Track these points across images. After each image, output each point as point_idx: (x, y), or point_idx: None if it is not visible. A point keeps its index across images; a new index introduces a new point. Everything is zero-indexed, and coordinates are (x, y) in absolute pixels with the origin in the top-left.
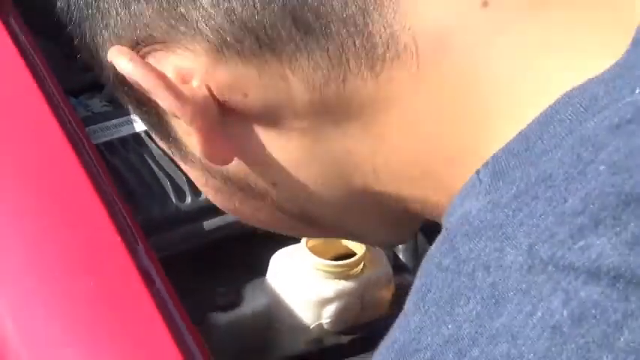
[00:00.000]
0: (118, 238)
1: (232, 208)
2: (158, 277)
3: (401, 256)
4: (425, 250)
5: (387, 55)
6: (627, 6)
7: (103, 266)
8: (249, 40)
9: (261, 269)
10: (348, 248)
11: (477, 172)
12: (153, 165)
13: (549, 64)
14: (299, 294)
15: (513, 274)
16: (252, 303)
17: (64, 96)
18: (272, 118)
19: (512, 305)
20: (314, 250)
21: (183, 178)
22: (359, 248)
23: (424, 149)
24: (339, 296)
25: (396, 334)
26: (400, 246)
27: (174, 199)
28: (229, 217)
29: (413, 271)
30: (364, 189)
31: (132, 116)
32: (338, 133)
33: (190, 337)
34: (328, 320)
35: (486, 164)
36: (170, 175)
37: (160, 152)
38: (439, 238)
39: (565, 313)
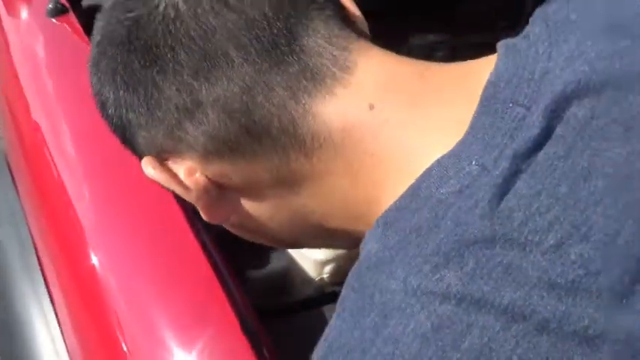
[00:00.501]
0: (184, 219)
1: (241, 233)
2: (212, 245)
3: None
4: None
5: (314, 145)
6: (478, 85)
7: (175, 237)
8: (224, 148)
9: None
10: None
11: (377, 221)
12: None
13: (420, 143)
14: (308, 257)
15: (396, 297)
16: (275, 263)
17: None
18: (250, 189)
19: (395, 319)
20: None
21: None
22: None
23: (347, 203)
24: (334, 258)
25: (326, 332)
26: None
27: None
28: None
29: None
30: (317, 224)
31: None
32: (293, 195)
33: (234, 287)
34: (327, 275)
35: (381, 217)
36: None
37: None
38: (353, 268)
39: (428, 324)
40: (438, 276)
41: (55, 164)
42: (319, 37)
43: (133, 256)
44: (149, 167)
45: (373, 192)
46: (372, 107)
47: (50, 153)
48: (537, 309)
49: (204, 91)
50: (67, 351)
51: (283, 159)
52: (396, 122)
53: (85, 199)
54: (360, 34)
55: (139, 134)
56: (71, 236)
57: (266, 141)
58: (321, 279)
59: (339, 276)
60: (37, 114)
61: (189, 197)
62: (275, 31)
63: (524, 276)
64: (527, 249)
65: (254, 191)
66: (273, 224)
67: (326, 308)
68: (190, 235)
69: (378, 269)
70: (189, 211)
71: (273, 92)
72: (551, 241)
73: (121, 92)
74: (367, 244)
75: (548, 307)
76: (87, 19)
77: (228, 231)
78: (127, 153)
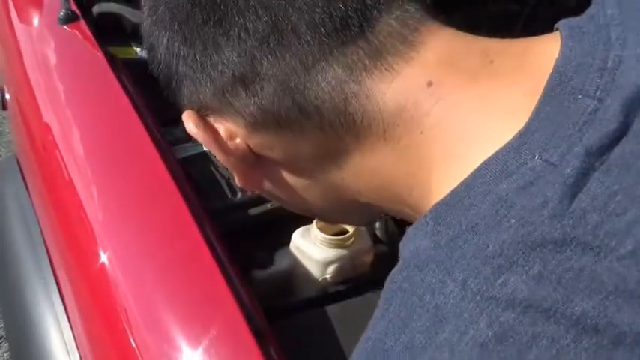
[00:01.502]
0: (191, 220)
1: (270, 197)
2: (219, 245)
3: (377, 233)
4: (394, 230)
5: (363, 124)
6: (540, 68)
7: (183, 237)
8: (272, 121)
9: (286, 241)
10: (343, 227)
11: (425, 216)
12: (215, 172)
13: (473, 126)
14: (312, 257)
15: (451, 300)
16: (280, 263)
17: (159, 127)
18: (289, 162)
19: (451, 325)
20: (321, 229)
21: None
22: (350, 228)
23: (387, 180)
24: (337, 259)
25: (369, 332)
26: (377, 225)
27: (229, 195)
28: (266, 207)
29: (387, 243)
30: (349, 199)
31: None
32: (334, 170)
33: (240, 286)
34: (330, 275)
35: (430, 212)
36: (226, 178)
37: (218, 164)
38: (398, 265)
39: (490, 333)
40: (501, 280)
41: (65, 165)
42: (392, 18)
43: (141, 254)
44: (191, 124)
45: (418, 171)
46: (430, 84)
47: (61, 154)
48: (613, 321)
49: (265, 64)
50: (77, 347)
51: (330, 136)
52: (452, 102)
53: (95, 199)
54: (435, 15)
55: (186, 86)
56: (81, 235)
57: (315, 118)
58: (324, 279)
59: (341, 276)
60: (49, 117)
61: (226, 161)
62: (350, 10)
63: (598, 283)
64: (602, 254)
65: (293, 164)
66: (305, 195)
67: (329, 308)
68: (197, 235)
69: (430, 268)
70: (196, 209)
71: (332, 71)
72: (629, 246)
73: (177, 43)
74: (413, 240)
75: (625, 320)
76: (97, 26)
77: (234, 231)
78: (135, 155)
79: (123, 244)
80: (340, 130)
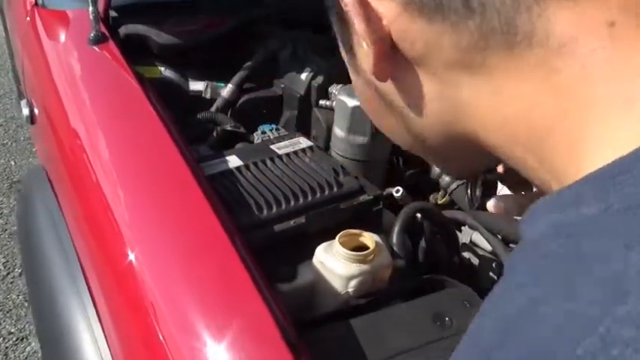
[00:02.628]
0: (223, 233)
1: (375, 117)
2: (251, 259)
3: (395, 248)
4: (409, 245)
5: (523, 43)
6: None
7: (216, 250)
8: (428, 7)
9: (309, 256)
10: (363, 242)
11: (588, 178)
12: (240, 189)
13: None
14: (334, 272)
15: (633, 270)
16: (303, 277)
17: (186, 142)
18: (424, 61)
19: (634, 297)
20: (343, 244)
21: (262, 197)
22: (370, 243)
23: (523, 115)
24: (359, 274)
25: (516, 298)
26: (394, 241)
27: (255, 212)
28: (289, 224)
29: (404, 258)
30: (467, 134)
31: (226, 157)
32: (467, 85)
33: (269, 294)
34: (352, 289)
35: (595, 175)
36: (251, 195)
37: (245, 181)
38: (548, 233)
39: None
40: None
41: (99, 176)
42: None
43: (176, 263)
44: None
45: (571, 109)
46: (612, 24)
47: (96, 166)
48: None
49: None
50: (108, 345)
51: (481, 44)
52: (628, 47)
53: (130, 208)
54: None
55: None
56: (112, 237)
57: (476, 18)
58: (347, 293)
59: (362, 290)
60: (83, 132)
61: (366, 38)
62: None
63: None
64: None
65: (427, 66)
66: (419, 116)
67: (352, 321)
68: (231, 248)
69: (605, 236)
70: (227, 222)
71: None
72: None
73: None
74: (575, 205)
75: None
76: (124, 46)
77: (260, 246)
78: (167, 171)
79: (154, 248)
80: (496, 39)
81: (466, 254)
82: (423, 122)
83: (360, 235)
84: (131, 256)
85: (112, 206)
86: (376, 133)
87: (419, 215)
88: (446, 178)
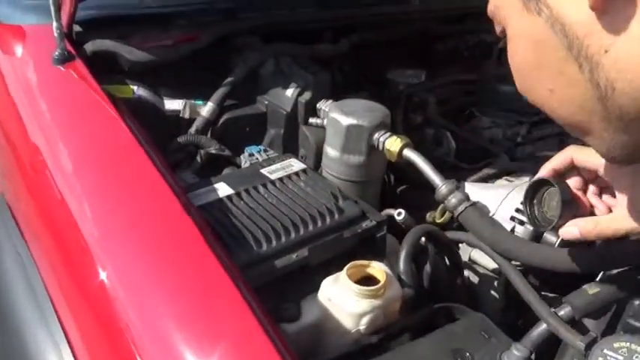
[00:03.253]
0: (223, 271)
1: (535, 75)
2: (252, 297)
3: (403, 277)
4: (415, 272)
5: None
6: None
7: (200, 264)
8: None
9: (312, 290)
10: (372, 274)
11: None
12: (235, 221)
13: None
14: (345, 309)
15: None
16: (309, 315)
17: (173, 174)
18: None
19: None
20: (351, 276)
21: (259, 230)
22: (380, 275)
23: None
24: (371, 311)
25: None
26: (402, 269)
27: (254, 247)
28: (292, 257)
29: (412, 287)
30: (612, 97)
31: (214, 184)
32: None
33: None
34: (364, 327)
35: None
36: (247, 227)
37: (238, 211)
38: None
39: None
40: None
41: (57, 186)
42: None
43: (151, 279)
44: None
45: None
46: None
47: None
48: None
49: None
50: None
51: None
52: None
53: (95, 222)
54: None
55: None
56: (80, 256)
57: None
58: (357, 331)
59: (374, 326)
60: (53, 161)
61: None
62: None
63: None
64: None
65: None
66: (631, 52)
67: None
68: (217, 264)
69: None
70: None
71: None
72: None
73: None
74: None
75: None
76: (92, 64)
77: (261, 283)
78: (150, 195)
79: (133, 271)
80: None
81: (466, 272)
82: (625, 69)
83: (367, 266)
84: (102, 275)
85: (80, 223)
86: (372, 151)
87: (423, 238)
88: (452, 199)
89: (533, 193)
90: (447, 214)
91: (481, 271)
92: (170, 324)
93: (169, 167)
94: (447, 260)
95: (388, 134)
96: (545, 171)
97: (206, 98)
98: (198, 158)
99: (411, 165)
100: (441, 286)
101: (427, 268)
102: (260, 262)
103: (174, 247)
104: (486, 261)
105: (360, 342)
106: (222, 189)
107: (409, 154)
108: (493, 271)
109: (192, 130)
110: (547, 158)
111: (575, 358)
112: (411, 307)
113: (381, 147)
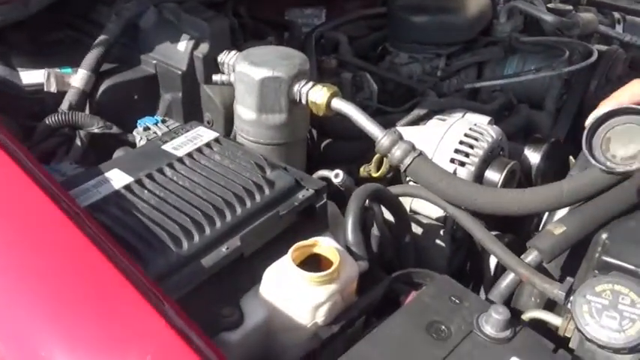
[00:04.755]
0: (134, 289)
1: None
2: (175, 313)
3: (353, 248)
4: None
5: None
6: None
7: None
8: None
9: (251, 285)
10: (320, 254)
11: None
12: (142, 217)
13: None
14: (296, 303)
15: None
16: (253, 317)
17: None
18: None
19: None
20: (295, 259)
21: (175, 225)
22: (331, 254)
23: None
24: (328, 298)
25: None
26: (350, 239)
27: (172, 247)
28: (222, 251)
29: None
30: None
31: (104, 173)
32: None
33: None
34: (322, 318)
35: None
36: (159, 223)
37: (143, 204)
38: None
39: None
40: None
41: None
42: None
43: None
44: None
45: None
46: None
47: None
48: None
49: None
50: None
51: None
52: None
53: None
54: None
55: None
56: None
57: None
58: (314, 324)
59: (333, 315)
60: None
61: None
62: None
63: None
64: None
65: None
66: None
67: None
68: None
69: None
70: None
71: None
72: None
73: None
74: None
75: None
76: None
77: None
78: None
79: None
80: None
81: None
82: None
83: (314, 245)
84: None
85: None
86: (294, 107)
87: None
88: (397, 152)
89: (596, 128)
90: (384, 167)
91: (425, 221)
92: None
93: (36, 160)
94: (393, 219)
95: (310, 84)
96: (609, 107)
97: (75, 65)
98: (78, 142)
99: (338, 116)
100: (390, 248)
101: (374, 231)
102: (182, 266)
103: (56, 267)
104: (429, 210)
105: (319, 336)
106: (117, 178)
107: (339, 104)
108: (437, 219)
109: (64, 106)
110: (475, 91)
111: (533, 296)
112: (366, 280)
113: (304, 100)
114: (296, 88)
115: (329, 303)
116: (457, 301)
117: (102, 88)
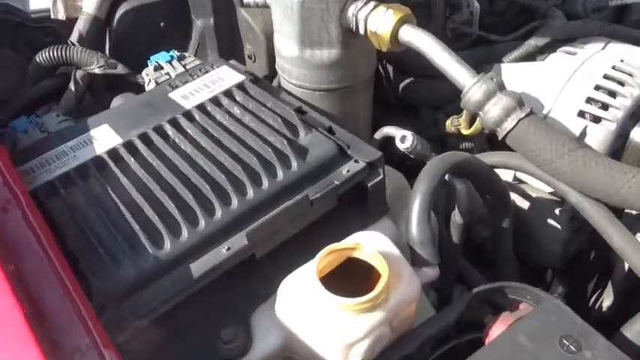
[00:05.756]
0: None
1: None
2: None
3: (417, 249)
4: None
5: None
6: None
7: None
8: None
9: (262, 299)
10: (362, 260)
11: None
12: (110, 201)
13: None
14: (323, 335)
15: None
16: (264, 344)
17: None
18: None
19: None
20: (326, 271)
21: (156, 215)
22: (379, 263)
23: None
24: (368, 333)
25: None
26: (415, 234)
27: (150, 250)
28: (222, 252)
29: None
30: None
31: (90, 130)
32: None
33: None
34: (360, 358)
35: None
36: (136, 213)
37: (124, 180)
38: None
39: None
40: None
41: None
42: None
43: None
44: None
45: None
46: None
47: None
48: None
49: None
50: None
51: None
52: None
53: None
54: None
55: None
56: None
57: None
58: None
59: (377, 350)
60: None
61: None
62: None
63: None
64: None
65: None
66: None
67: None
68: None
69: None
70: None
71: None
72: None
73: None
74: None
75: None
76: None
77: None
78: None
79: None
80: None
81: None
82: None
83: (353, 249)
84: None
85: None
86: (349, 37)
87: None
88: (494, 110)
89: None
90: (479, 122)
91: (534, 194)
92: None
93: None
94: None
95: (372, 5)
96: None
97: None
98: (72, 86)
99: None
100: (477, 240)
101: (456, 217)
102: (162, 273)
103: None
104: (539, 183)
105: None
106: (104, 137)
107: (410, 35)
108: (552, 193)
109: (74, 37)
110: (621, 9)
111: None
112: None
113: (362, 29)
114: (351, 11)
115: (369, 339)
116: (573, 347)
117: (119, 13)
